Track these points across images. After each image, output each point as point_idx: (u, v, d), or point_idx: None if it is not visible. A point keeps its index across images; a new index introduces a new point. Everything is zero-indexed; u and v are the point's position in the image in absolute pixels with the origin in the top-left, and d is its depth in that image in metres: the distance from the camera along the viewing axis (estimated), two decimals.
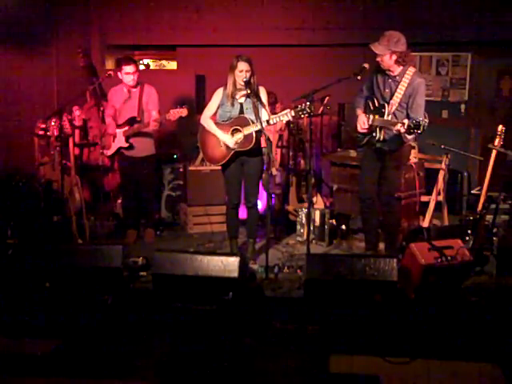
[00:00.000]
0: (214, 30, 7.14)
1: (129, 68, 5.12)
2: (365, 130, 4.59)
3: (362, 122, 4.59)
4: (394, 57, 4.37)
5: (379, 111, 4.52)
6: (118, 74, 5.20)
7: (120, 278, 4.01)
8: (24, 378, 3.18)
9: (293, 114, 4.36)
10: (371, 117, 4.56)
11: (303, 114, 4.31)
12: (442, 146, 5.07)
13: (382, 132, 4.51)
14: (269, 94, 4.80)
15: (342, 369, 3.24)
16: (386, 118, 4.46)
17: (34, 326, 3.71)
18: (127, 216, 5.58)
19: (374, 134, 4.55)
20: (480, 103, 7.07)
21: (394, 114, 4.47)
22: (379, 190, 4.74)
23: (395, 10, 6.79)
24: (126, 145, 5.23)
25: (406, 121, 4.18)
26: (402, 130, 4.16)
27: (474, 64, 6.95)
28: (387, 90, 4.53)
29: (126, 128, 5.21)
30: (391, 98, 4.49)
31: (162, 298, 3.86)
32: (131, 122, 5.19)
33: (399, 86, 4.44)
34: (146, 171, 5.38)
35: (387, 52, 4.34)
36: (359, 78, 4.58)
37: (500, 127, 4.64)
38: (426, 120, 4.08)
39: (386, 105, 4.48)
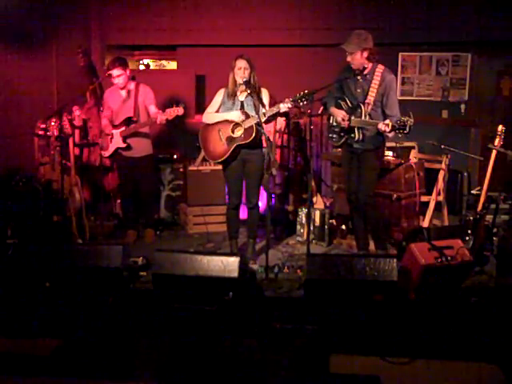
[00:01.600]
0: (214, 30, 7.14)
1: (114, 72, 5.11)
2: (346, 124, 4.56)
3: (343, 115, 4.55)
4: (365, 54, 4.43)
5: (355, 111, 4.53)
6: (111, 79, 5.20)
7: (120, 278, 4.01)
8: (24, 378, 3.18)
9: (291, 101, 4.38)
10: (347, 117, 4.55)
11: (302, 100, 4.32)
12: (442, 146, 5.08)
13: (361, 132, 4.53)
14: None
15: (342, 369, 3.25)
16: (363, 118, 4.47)
17: (34, 326, 3.71)
18: (126, 216, 5.59)
19: (352, 135, 4.56)
20: (480, 103, 7.07)
21: (370, 113, 4.49)
22: (357, 190, 4.74)
23: (395, 11, 6.80)
24: (124, 145, 5.22)
25: (388, 121, 4.22)
26: (387, 130, 4.19)
27: (474, 64, 6.95)
28: (359, 90, 4.56)
29: (123, 128, 5.20)
30: (365, 98, 4.51)
31: (162, 298, 3.86)
32: (127, 122, 5.18)
33: (371, 85, 4.48)
34: (144, 171, 5.37)
35: (359, 49, 4.40)
36: (359, 77, 4.59)
37: (500, 127, 4.64)
38: (412, 120, 4.09)
39: (362, 105, 4.49)
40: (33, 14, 6.47)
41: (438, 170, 5.23)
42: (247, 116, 4.53)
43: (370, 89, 4.48)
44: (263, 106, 4.51)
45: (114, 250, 4.02)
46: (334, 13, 6.99)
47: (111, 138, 5.27)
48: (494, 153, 4.62)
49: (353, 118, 4.52)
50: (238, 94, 4.63)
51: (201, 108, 6.74)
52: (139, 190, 5.43)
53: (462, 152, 5.31)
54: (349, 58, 4.47)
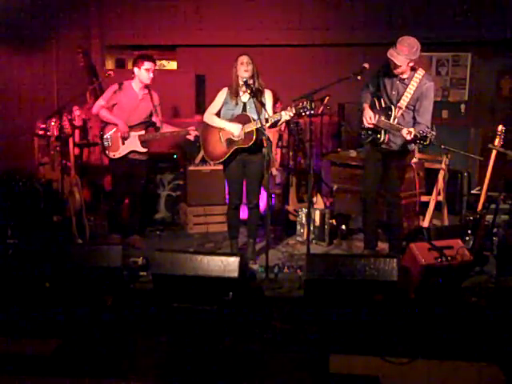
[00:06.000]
0: (214, 29, 7.15)
1: (149, 64, 4.97)
2: (371, 125, 4.53)
3: (369, 117, 4.51)
4: (411, 64, 4.31)
5: (386, 113, 4.47)
6: (135, 69, 5.01)
7: (120, 278, 4.01)
8: (24, 378, 3.18)
9: (293, 111, 4.34)
10: (377, 116, 4.50)
11: (304, 111, 4.28)
12: (442, 146, 5.07)
13: (387, 135, 4.48)
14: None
15: (342, 369, 3.24)
16: (392, 121, 4.41)
17: (34, 325, 3.71)
18: (115, 220, 5.43)
19: (378, 136, 4.51)
20: (480, 103, 7.07)
21: (402, 114, 4.44)
22: (384, 189, 4.72)
23: (395, 11, 6.80)
24: (144, 150, 5.09)
25: (412, 129, 4.15)
26: (408, 138, 4.14)
27: (474, 64, 6.95)
28: (394, 92, 4.48)
29: (142, 132, 5.07)
30: (398, 101, 4.44)
31: (162, 297, 3.86)
32: (147, 125, 5.11)
33: (407, 89, 4.39)
34: (140, 176, 5.23)
35: (407, 61, 4.27)
36: (359, 77, 4.57)
37: (500, 127, 4.64)
38: (434, 133, 4.03)
39: (393, 107, 4.43)
40: (33, 14, 6.48)
41: (438, 170, 5.23)
42: (249, 120, 4.51)
43: (406, 93, 4.39)
44: (265, 108, 4.45)
45: (113, 249, 4.02)
46: (333, 13, 7.00)
47: (124, 139, 5.07)
48: (494, 153, 4.62)
49: (382, 118, 4.46)
50: (241, 94, 4.62)
51: (201, 108, 6.75)
52: (132, 194, 5.35)
53: (462, 152, 5.31)
54: (393, 66, 4.33)
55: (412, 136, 4.10)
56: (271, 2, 7.13)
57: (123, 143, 5.08)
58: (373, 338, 3.47)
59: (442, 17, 6.73)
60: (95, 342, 3.53)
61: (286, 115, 4.39)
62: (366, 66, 4.49)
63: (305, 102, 4.26)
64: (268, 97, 4.61)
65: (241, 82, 4.51)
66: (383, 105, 4.54)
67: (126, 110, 5.10)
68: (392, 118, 4.42)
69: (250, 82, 4.47)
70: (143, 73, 5.00)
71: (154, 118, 5.19)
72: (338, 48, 6.98)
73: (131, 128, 5.07)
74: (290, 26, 7.07)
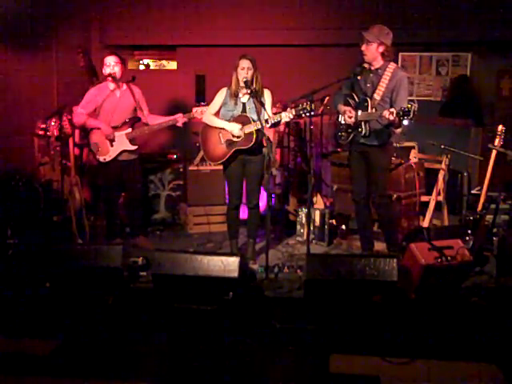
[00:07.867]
0: (214, 29, 7.14)
1: (109, 59, 4.94)
2: (352, 120, 4.55)
3: (349, 111, 4.55)
4: (381, 49, 4.41)
5: (362, 106, 4.51)
6: (103, 69, 5.00)
7: (120, 278, 4.01)
8: (24, 378, 3.18)
9: (294, 112, 4.35)
10: (354, 112, 4.53)
11: (304, 112, 4.29)
12: (442, 146, 5.08)
13: (367, 126, 4.51)
14: None
15: (342, 369, 3.25)
16: (369, 111, 4.46)
17: (34, 326, 3.71)
18: (111, 223, 5.37)
19: (359, 129, 4.54)
20: (480, 103, 7.06)
21: (376, 108, 4.47)
22: (370, 192, 4.73)
23: (395, 10, 6.79)
24: (134, 147, 5.04)
25: (392, 109, 4.18)
26: (391, 118, 4.14)
27: (474, 64, 6.95)
28: (369, 85, 4.54)
29: (129, 130, 5.03)
30: (374, 92, 4.49)
31: (162, 297, 3.86)
32: (133, 122, 5.06)
33: (381, 80, 4.46)
34: (132, 176, 5.17)
35: (376, 41, 4.38)
36: (359, 77, 4.58)
37: (500, 127, 4.64)
38: (416, 105, 4.05)
39: (369, 99, 4.48)
40: (33, 14, 6.47)
41: (438, 170, 5.23)
42: (248, 120, 4.51)
43: (380, 83, 4.45)
44: (264, 109, 4.45)
45: (114, 249, 4.02)
46: (333, 13, 6.99)
47: (111, 141, 5.02)
48: (494, 153, 4.62)
49: (359, 112, 4.49)
50: (241, 95, 4.62)
51: None
52: (127, 195, 5.32)
53: (462, 152, 5.31)
54: (363, 47, 4.44)
55: (395, 115, 4.12)
56: (271, 2, 7.12)
57: (112, 145, 5.03)
58: (373, 337, 3.47)
59: (442, 17, 6.72)
60: (95, 342, 3.53)
61: (286, 116, 4.40)
62: (366, 66, 4.50)
63: (305, 103, 4.26)
64: (267, 96, 4.61)
65: (241, 83, 4.51)
66: (357, 100, 4.58)
67: (106, 111, 5.05)
68: (369, 107, 4.46)
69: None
70: (105, 68, 4.98)
71: (139, 114, 5.11)
72: (337, 48, 6.96)
73: (116, 128, 5.02)
74: (290, 26, 7.06)
